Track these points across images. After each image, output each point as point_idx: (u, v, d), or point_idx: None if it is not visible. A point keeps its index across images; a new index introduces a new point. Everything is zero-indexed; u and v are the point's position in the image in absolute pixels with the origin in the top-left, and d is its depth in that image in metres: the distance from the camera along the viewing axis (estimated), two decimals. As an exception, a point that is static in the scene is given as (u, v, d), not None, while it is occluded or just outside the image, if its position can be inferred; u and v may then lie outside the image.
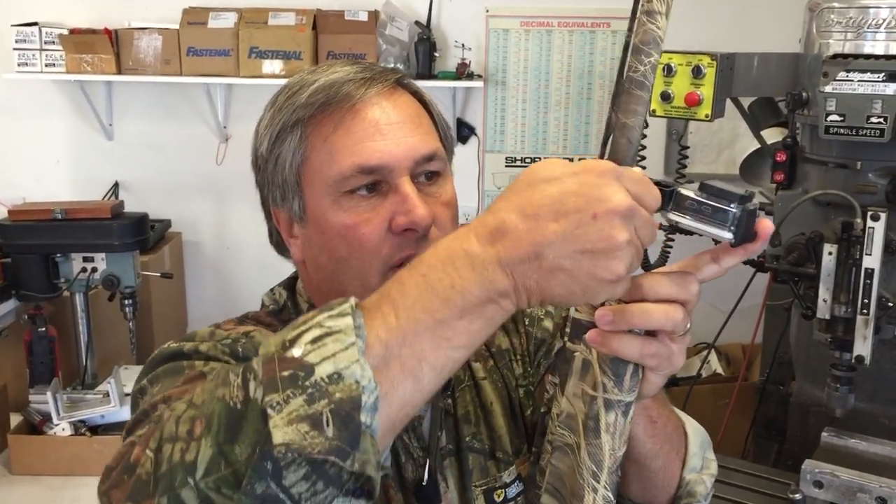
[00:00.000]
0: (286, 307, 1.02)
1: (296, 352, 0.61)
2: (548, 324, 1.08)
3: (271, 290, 1.05)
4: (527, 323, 1.08)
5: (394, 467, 0.95)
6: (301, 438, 0.58)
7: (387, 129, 0.90)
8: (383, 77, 0.93)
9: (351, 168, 0.89)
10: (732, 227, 0.65)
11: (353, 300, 0.64)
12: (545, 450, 0.72)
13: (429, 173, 0.92)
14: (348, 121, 0.90)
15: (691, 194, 0.65)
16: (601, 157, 0.68)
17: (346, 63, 0.95)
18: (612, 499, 0.68)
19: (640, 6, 0.66)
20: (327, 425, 0.59)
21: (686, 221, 0.66)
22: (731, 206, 0.64)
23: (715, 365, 3.36)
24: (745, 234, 0.65)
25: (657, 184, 0.66)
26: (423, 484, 0.94)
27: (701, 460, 0.91)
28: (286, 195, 0.94)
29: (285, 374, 0.60)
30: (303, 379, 0.60)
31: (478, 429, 1.01)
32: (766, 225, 0.67)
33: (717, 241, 0.67)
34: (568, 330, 0.71)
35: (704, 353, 3.21)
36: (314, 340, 0.62)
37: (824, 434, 1.88)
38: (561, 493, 0.73)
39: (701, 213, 0.65)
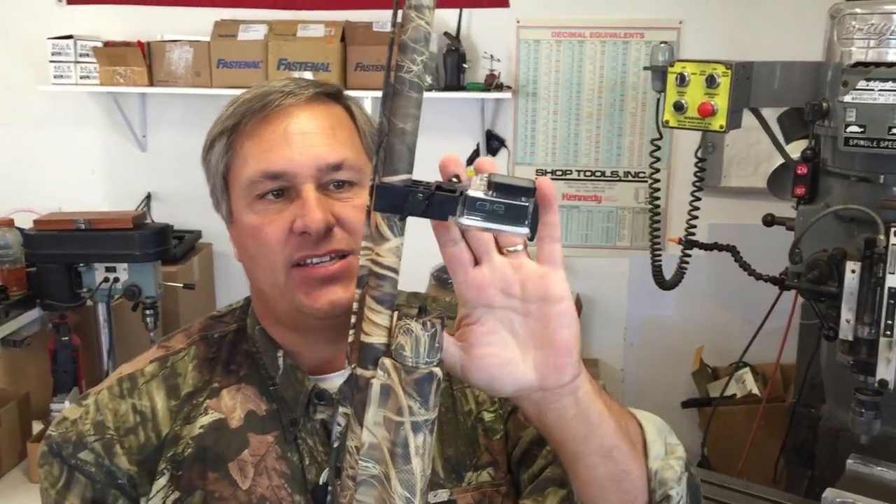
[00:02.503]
0: (231, 311, 1.11)
1: None
2: None
3: None
4: None
5: (297, 471, 0.98)
6: None
7: (295, 139, 0.96)
8: (303, 89, 0.98)
9: (258, 173, 0.95)
10: (528, 222, 0.63)
11: None
12: (345, 486, 0.67)
13: (339, 182, 0.97)
14: (262, 130, 0.97)
15: (481, 195, 0.62)
16: (376, 165, 0.65)
17: (282, 80, 1.02)
18: None
19: (406, 1, 0.62)
20: None
21: (480, 224, 0.63)
22: (524, 200, 0.62)
23: (751, 385, 3.25)
24: (536, 223, 0.64)
25: (440, 189, 0.64)
26: (319, 485, 0.97)
27: (663, 446, 0.85)
28: (218, 200, 1.03)
29: None
30: None
31: (336, 460, 0.99)
32: (543, 183, 0.66)
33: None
34: (354, 356, 0.66)
35: (735, 371, 3.12)
36: None
37: (849, 461, 1.80)
38: None
39: (494, 213, 0.63)
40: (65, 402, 2.59)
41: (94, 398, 1.03)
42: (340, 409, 0.68)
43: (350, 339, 0.67)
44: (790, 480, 2.35)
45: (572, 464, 0.79)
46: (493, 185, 0.63)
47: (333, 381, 1.01)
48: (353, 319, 0.67)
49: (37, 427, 2.67)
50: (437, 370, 0.66)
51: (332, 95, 1.01)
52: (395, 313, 0.66)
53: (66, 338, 2.72)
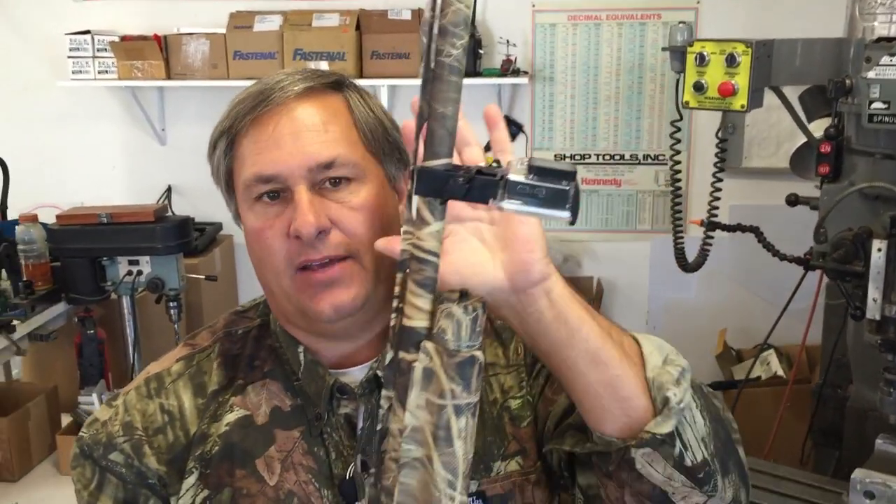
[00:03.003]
0: (255, 305, 1.10)
1: None
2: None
3: None
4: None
5: (324, 465, 0.98)
6: None
7: (285, 139, 0.93)
8: (294, 84, 0.95)
9: (251, 177, 0.94)
10: (568, 206, 0.62)
11: None
12: (388, 468, 0.67)
13: (334, 179, 0.94)
14: (255, 130, 0.95)
15: (521, 179, 0.62)
16: (415, 151, 0.64)
17: (283, 71, 0.99)
18: (466, 500, 0.66)
19: None
20: None
21: (521, 208, 0.63)
22: (565, 183, 0.62)
23: (776, 366, 3.23)
24: (577, 207, 0.63)
25: (480, 173, 0.63)
26: (346, 479, 0.97)
27: (661, 358, 0.84)
28: (227, 200, 1.03)
29: None
30: None
31: (375, 455, 0.99)
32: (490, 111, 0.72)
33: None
34: (397, 341, 0.66)
35: (760, 353, 3.10)
36: None
37: (878, 441, 1.78)
38: None
39: (535, 196, 0.62)
40: (92, 394, 2.61)
41: (122, 399, 1.04)
42: (384, 393, 0.68)
43: (392, 322, 0.67)
44: (818, 462, 2.34)
45: (563, 374, 0.80)
46: (534, 169, 0.62)
47: (354, 375, 1.01)
48: (394, 303, 0.67)
49: (65, 420, 2.70)
50: (479, 353, 0.66)
51: (332, 85, 0.98)
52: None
53: (92, 331, 2.75)
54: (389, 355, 0.67)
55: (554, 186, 0.62)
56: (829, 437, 2.29)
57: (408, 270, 0.65)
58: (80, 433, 1.03)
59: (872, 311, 1.61)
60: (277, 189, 0.94)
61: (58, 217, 2.69)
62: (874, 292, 1.60)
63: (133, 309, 2.75)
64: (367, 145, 0.98)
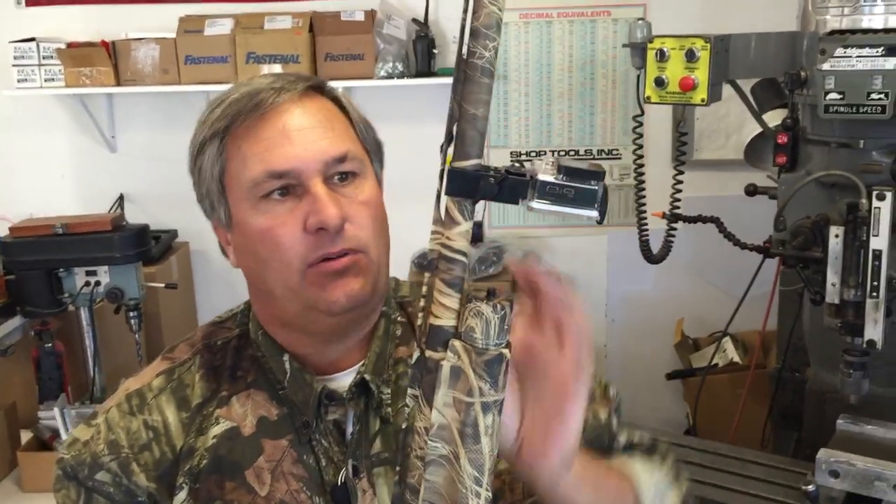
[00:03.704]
0: (233, 315, 1.09)
1: None
2: None
3: None
4: None
5: (315, 472, 0.98)
6: None
7: (295, 135, 0.94)
8: (293, 85, 0.97)
9: (262, 174, 0.93)
10: (597, 205, 0.64)
11: None
12: (413, 466, 0.68)
13: (342, 174, 0.95)
14: (259, 128, 0.94)
15: (551, 179, 0.64)
16: (445, 150, 0.66)
17: (264, 77, 1.00)
18: (491, 497, 0.68)
19: None
20: None
21: (550, 207, 0.65)
22: (594, 183, 0.64)
23: (732, 353, 3.30)
24: (605, 207, 0.65)
25: (510, 173, 0.65)
26: (338, 485, 0.97)
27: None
28: (214, 205, 1.00)
29: None
30: None
31: (400, 458, 1.00)
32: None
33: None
34: (425, 339, 0.68)
35: (720, 341, 3.17)
36: None
37: (840, 421, 1.84)
38: None
39: (564, 196, 0.64)
40: (52, 409, 2.56)
41: (103, 417, 1.03)
42: (409, 391, 0.69)
43: (419, 322, 0.68)
44: (777, 444, 2.40)
45: None
46: (563, 169, 0.64)
47: (342, 381, 1.01)
48: (422, 302, 0.68)
49: (25, 436, 2.64)
50: (506, 351, 0.67)
51: (320, 88, 1.00)
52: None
53: (50, 344, 2.70)
54: (416, 354, 0.68)
55: (583, 186, 0.64)
56: (788, 419, 2.35)
57: (436, 270, 0.66)
58: (60, 454, 1.02)
59: (831, 295, 1.66)
60: (288, 185, 0.94)
61: (11, 229, 2.64)
62: (833, 277, 1.65)
63: (92, 320, 2.71)
64: (363, 142, 1.00)
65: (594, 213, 0.64)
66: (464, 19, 0.64)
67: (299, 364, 1.00)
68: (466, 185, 0.64)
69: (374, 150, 1.03)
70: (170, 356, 1.07)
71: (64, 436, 2.49)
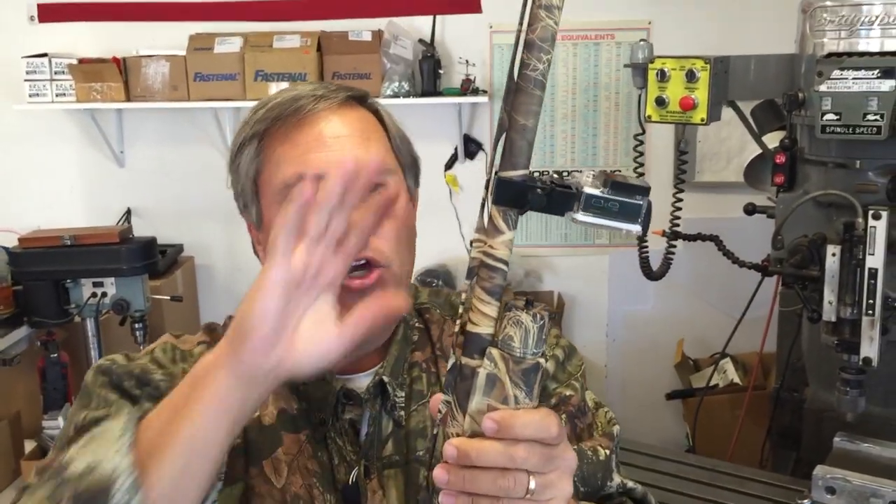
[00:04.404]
0: None
1: (70, 450, 0.78)
2: (549, 366, 1.07)
3: None
4: None
5: (327, 470, 0.98)
6: None
7: (331, 141, 0.95)
8: (334, 93, 0.98)
9: (294, 176, 0.94)
10: (640, 220, 0.65)
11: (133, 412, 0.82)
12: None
13: (374, 185, 0.94)
14: (295, 133, 0.96)
15: (598, 193, 0.65)
16: (492, 159, 0.66)
17: (309, 83, 1.02)
18: None
19: (536, 1, 0.63)
20: None
21: (595, 220, 0.65)
22: (639, 198, 0.65)
23: (732, 374, 3.32)
24: (648, 222, 0.66)
25: (559, 186, 0.65)
26: (349, 484, 0.97)
27: None
28: (247, 204, 1.01)
29: (47, 473, 0.77)
30: (58, 472, 0.76)
31: (430, 460, 1.00)
32: None
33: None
34: (461, 345, 0.68)
35: (718, 362, 3.18)
36: (87, 442, 0.78)
37: (836, 439, 1.85)
38: None
39: (609, 210, 0.65)
40: (57, 418, 2.59)
41: (148, 355, 1.00)
42: (442, 397, 0.69)
43: (456, 328, 0.69)
44: (777, 463, 2.41)
45: None
46: (610, 184, 0.65)
47: (360, 381, 1.02)
48: (460, 309, 0.68)
49: (29, 446, 2.67)
50: (543, 360, 0.67)
51: (360, 99, 1.01)
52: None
53: (55, 355, 2.73)
54: (451, 360, 0.69)
55: (628, 200, 0.65)
56: (787, 439, 2.36)
57: (476, 277, 0.67)
58: (100, 364, 0.97)
59: (828, 313, 1.68)
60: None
61: (20, 240, 2.67)
62: (830, 295, 1.67)
63: (97, 331, 2.74)
64: (398, 157, 1.02)
65: (637, 228, 0.65)
66: (518, 31, 0.64)
67: None
68: (514, 195, 0.65)
69: (408, 165, 1.03)
70: (210, 330, 1.07)
71: (67, 445, 2.51)
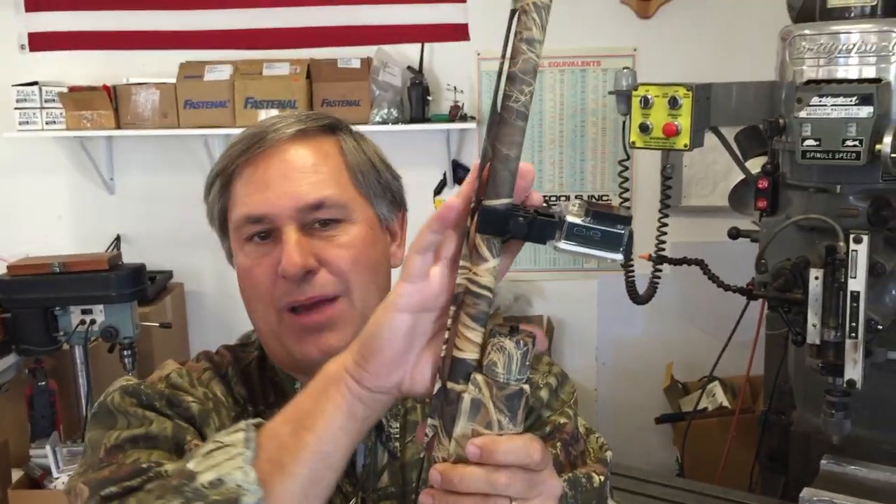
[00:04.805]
0: (251, 342, 1.08)
1: (190, 464, 0.76)
2: (543, 394, 1.07)
3: None
4: None
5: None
6: None
7: (274, 181, 0.95)
8: (288, 127, 0.98)
9: (241, 218, 0.96)
10: (622, 249, 0.66)
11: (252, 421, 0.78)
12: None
13: (323, 220, 0.96)
14: (248, 172, 0.97)
15: (579, 222, 0.66)
16: (477, 190, 0.67)
17: (280, 114, 1.02)
18: None
19: (518, 35, 0.64)
20: None
21: (576, 249, 0.66)
22: (620, 227, 0.66)
23: (721, 398, 3.33)
24: (630, 250, 0.67)
25: (542, 215, 0.66)
26: None
27: None
28: (221, 239, 1.04)
29: (174, 482, 0.75)
30: (184, 486, 0.74)
31: (418, 484, 0.99)
32: (526, 169, 0.67)
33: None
34: (446, 370, 0.69)
35: (706, 385, 3.19)
36: (207, 453, 0.76)
37: (823, 461, 1.86)
38: None
39: (591, 239, 0.66)
40: (44, 446, 2.57)
41: (164, 381, 0.99)
42: (429, 421, 0.70)
43: (442, 354, 0.70)
44: (766, 487, 2.41)
45: None
46: (591, 213, 0.66)
47: None
48: (445, 335, 0.69)
49: (16, 474, 2.65)
50: (526, 387, 0.68)
51: (325, 128, 1.00)
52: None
53: (43, 382, 2.72)
54: (438, 385, 0.69)
55: (609, 230, 0.66)
56: (775, 462, 2.36)
57: (461, 303, 0.68)
58: (124, 386, 0.96)
59: (812, 336, 1.69)
60: (267, 229, 0.95)
61: (8, 267, 2.67)
62: (813, 318, 1.68)
63: (86, 359, 2.73)
64: (358, 187, 1.00)
65: (618, 257, 0.66)
66: (501, 64, 0.65)
67: None
68: (497, 223, 0.66)
69: (376, 194, 1.02)
70: (207, 357, 1.06)
71: (56, 473, 2.50)
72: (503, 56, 0.65)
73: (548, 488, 0.71)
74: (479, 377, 0.67)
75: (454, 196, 0.70)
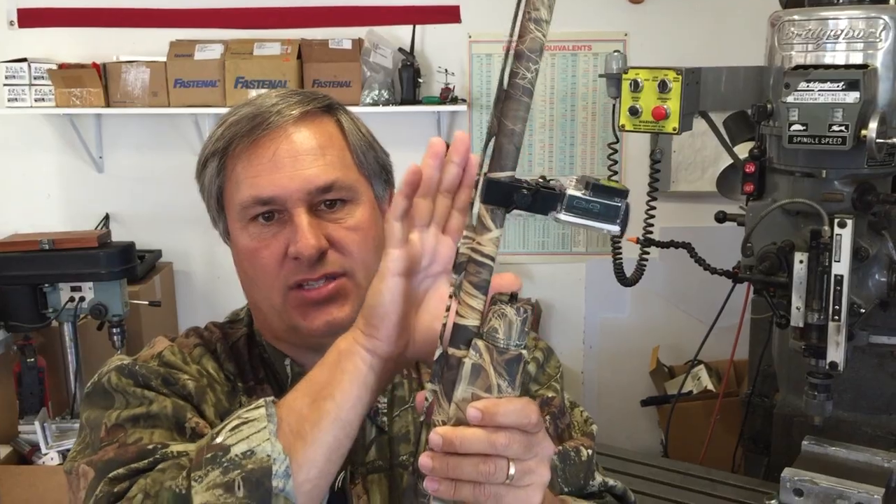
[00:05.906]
0: (239, 319, 1.10)
1: (219, 438, 0.80)
2: (531, 368, 1.09)
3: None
4: None
5: None
6: (216, 499, 0.76)
7: (283, 163, 0.96)
8: (292, 108, 0.98)
9: (249, 199, 0.97)
10: (619, 221, 0.69)
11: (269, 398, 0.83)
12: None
13: (330, 201, 0.98)
14: (251, 153, 0.97)
15: (579, 194, 0.69)
16: (481, 162, 0.70)
17: (274, 93, 1.02)
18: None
19: (526, 13, 0.67)
20: (238, 489, 0.76)
21: (576, 220, 0.70)
22: (618, 200, 0.69)
23: (706, 381, 3.36)
24: (626, 222, 0.70)
25: (544, 188, 0.69)
26: (336, 490, 0.97)
27: None
28: (215, 218, 1.04)
29: (208, 455, 0.79)
30: (220, 457, 0.78)
31: (416, 448, 1.01)
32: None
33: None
34: (448, 335, 0.72)
35: (692, 369, 3.22)
36: (233, 428, 0.80)
37: (805, 442, 1.89)
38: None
39: (590, 211, 0.69)
40: (32, 423, 2.58)
41: (154, 355, 1.01)
42: (428, 386, 0.73)
43: (444, 320, 0.72)
44: (748, 468, 2.45)
45: None
46: (591, 186, 0.69)
47: None
48: (448, 302, 0.72)
49: (4, 450, 2.65)
50: (525, 352, 0.71)
51: (325, 109, 1.01)
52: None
53: (32, 359, 2.72)
54: (438, 351, 0.72)
55: (608, 202, 0.69)
56: (758, 444, 2.40)
57: (464, 272, 0.71)
58: (119, 366, 0.97)
59: (796, 318, 1.72)
60: (274, 210, 0.96)
61: (-3, 244, 2.66)
62: (797, 301, 1.71)
63: (75, 336, 2.73)
64: (360, 167, 1.02)
65: (616, 229, 0.70)
66: (509, 42, 0.68)
67: (300, 368, 1.03)
68: (501, 194, 0.69)
69: (374, 173, 1.04)
70: (197, 334, 1.07)
71: (44, 449, 2.51)
72: (511, 34, 0.68)
73: (542, 449, 0.74)
74: (480, 343, 0.70)
75: (412, 167, 0.75)
